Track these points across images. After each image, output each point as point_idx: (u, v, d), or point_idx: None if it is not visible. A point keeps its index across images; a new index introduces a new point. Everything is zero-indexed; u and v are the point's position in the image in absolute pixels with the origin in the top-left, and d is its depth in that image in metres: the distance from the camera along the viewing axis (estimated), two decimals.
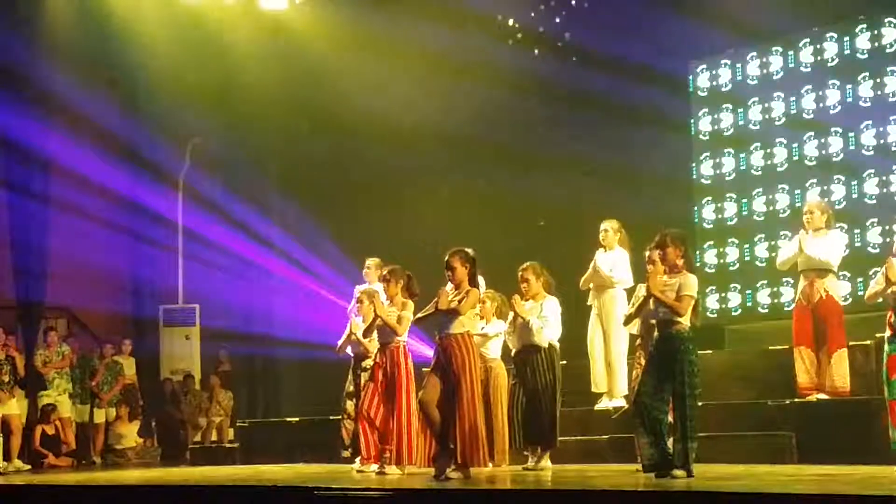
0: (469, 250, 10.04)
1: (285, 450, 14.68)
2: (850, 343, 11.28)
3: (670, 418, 9.10)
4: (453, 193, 18.12)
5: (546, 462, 10.90)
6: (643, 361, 9.59)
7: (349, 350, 12.14)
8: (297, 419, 15.85)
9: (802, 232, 11.62)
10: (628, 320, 9.95)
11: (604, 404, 12.59)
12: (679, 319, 8.99)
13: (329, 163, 19.45)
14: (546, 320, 10.90)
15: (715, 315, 15.47)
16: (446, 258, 9.98)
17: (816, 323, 11.34)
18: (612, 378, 12.54)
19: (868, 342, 11.01)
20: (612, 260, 12.46)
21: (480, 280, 10.44)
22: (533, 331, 10.84)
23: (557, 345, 11.03)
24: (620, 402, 12.22)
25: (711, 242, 15.60)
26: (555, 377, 10.88)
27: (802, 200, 14.06)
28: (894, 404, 8.88)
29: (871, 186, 14.21)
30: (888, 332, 9.03)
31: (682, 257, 9.14)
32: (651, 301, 9.15)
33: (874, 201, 14.13)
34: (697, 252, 15.36)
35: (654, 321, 9.20)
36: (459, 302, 9.83)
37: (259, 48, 19.01)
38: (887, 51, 14.24)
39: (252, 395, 21.12)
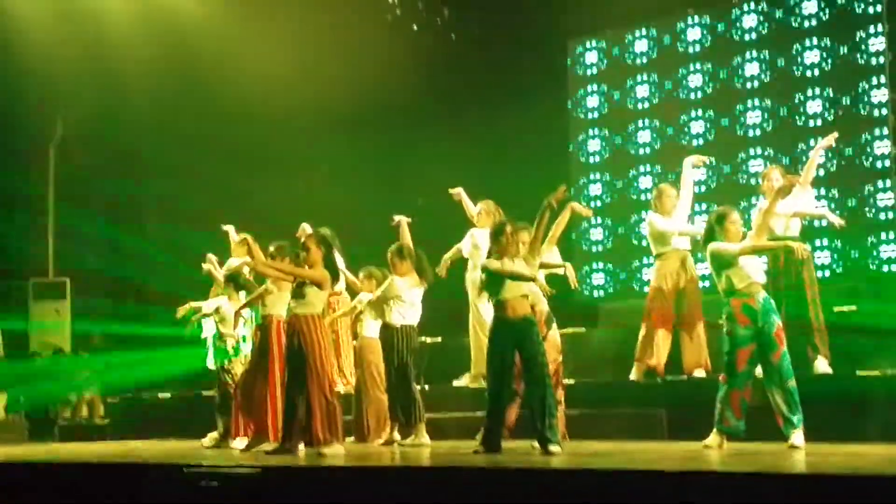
0: (326, 232, 10.15)
1: (157, 426, 14.48)
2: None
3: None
4: (332, 170, 17.97)
5: (423, 438, 10.92)
6: None
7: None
8: (168, 395, 15.64)
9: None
10: None
11: (460, 381, 12.68)
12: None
13: (206, 137, 19.12)
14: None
15: (589, 293, 15.61)
16: (302, 240, 10.15)
17: (680, 302, 11.49)
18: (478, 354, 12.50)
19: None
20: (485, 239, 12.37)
21: (338, 257, 10.59)
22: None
23: (413, 323, 11.09)
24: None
25: (587, 220, 15.70)
26: (409, 356, 10.93)
27: (677, 180, 14.20)
28: (736, 393, 9.01)
29: (743, 168, 14.44)
30: (740, 323, 9.04)
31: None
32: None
33: (742, 182, 14.39)
34: (572, 230, 15.48)
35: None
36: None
37: (135, 18, 18.59)
38: (759, 34, 14.49)
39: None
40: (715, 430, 9.10)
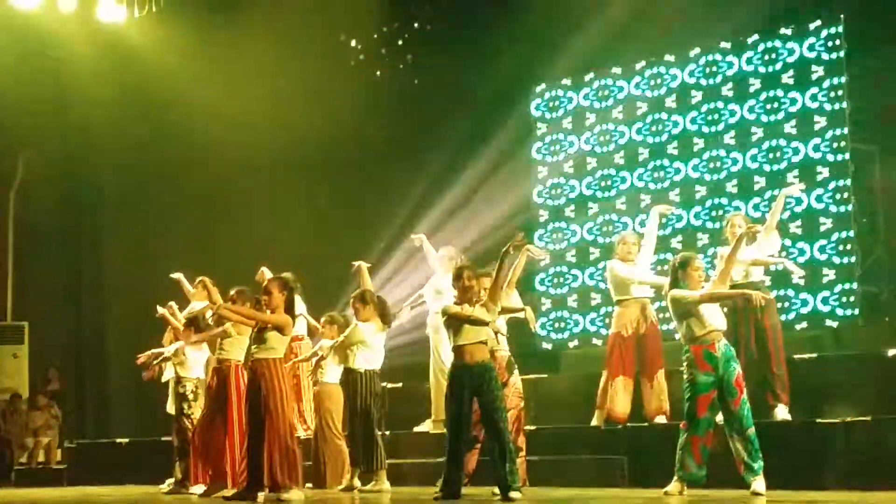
0: (289, 276, 10.10)
1: (114, 471, 14.35)
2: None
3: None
4: (292, 213, 17.94)
5: (384, 484, 10.85)
6: None
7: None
8: (126, 440, 15.51)
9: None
10: None
11: (421, 427, 12.63)
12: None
13: (169, 180, 19.09)
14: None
15: (552, 339, 15.59)
16: (265, 284, 10.01)
17: (640, 349, 11.49)
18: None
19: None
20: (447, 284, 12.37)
21: (300, 302, 10.69)
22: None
23: (376, 368, 11.02)
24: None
25: (549, 266, 15.69)
26: (372, 401, 10.86)
27: (641, 226, 14.24)
28: (697, 440, 9.01)
29: (703, 214, 14.50)
30: (701, 369, 9.06)
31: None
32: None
33: (709, 227, 14.42)
34: (536, 276, 15.48)
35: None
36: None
37: (97, 60, 18.56)
38: (721, 79, 14.59)
39: (82, 416, 20.55)
40: (676, 477, 9.08)
